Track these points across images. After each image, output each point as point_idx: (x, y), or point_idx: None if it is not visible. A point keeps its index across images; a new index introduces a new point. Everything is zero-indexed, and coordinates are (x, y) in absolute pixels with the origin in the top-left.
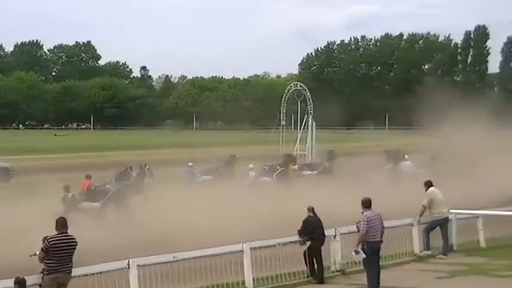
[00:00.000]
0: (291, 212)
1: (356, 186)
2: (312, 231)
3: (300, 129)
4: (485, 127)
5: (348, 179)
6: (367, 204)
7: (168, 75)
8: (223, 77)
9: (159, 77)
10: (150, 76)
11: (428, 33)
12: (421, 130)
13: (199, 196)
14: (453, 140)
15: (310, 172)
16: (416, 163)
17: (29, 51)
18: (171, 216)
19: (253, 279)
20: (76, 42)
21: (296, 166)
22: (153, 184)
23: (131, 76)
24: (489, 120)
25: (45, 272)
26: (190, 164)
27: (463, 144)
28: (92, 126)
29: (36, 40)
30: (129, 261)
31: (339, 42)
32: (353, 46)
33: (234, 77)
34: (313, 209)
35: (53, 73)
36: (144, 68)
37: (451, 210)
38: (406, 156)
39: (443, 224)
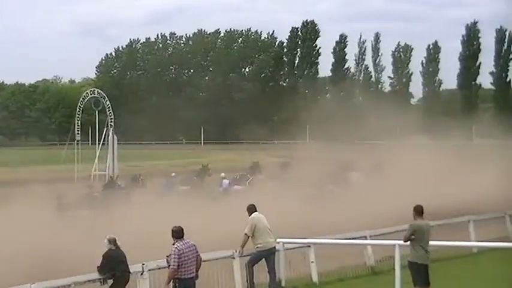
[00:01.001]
0: None
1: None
2: (114, 267)
3: (99, 145)
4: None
5: (310, 189)
6: (178, 234)
7: None
8: (5, 83)
9: None
10: None
11: (249, 30)
12: (242, 144)
13: (167, 208)
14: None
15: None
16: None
17: None
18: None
19: None
20: None
21: (262, 176)
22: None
23: None
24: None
25: None
26: (173, 174)
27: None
28: None
29: None
30: None
31: (144, 41)
32: (160, 45)
33: (17, 82)
34: (115, 240)
35: None
36: None
37: (278, 239)
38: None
39: (269, 255)
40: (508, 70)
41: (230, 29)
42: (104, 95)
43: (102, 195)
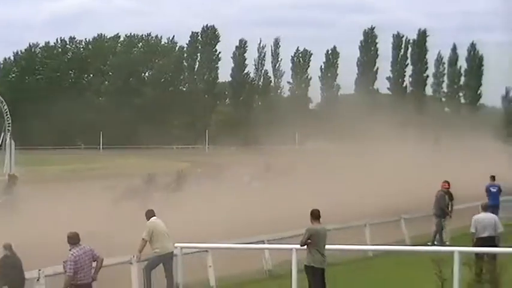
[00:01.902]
0: None
1: None
2: (9, 273)
3: None
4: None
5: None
6: (73, 240)
7: None
8: None
9: None
10: None
11: (149, 35)
12: (141, 150)
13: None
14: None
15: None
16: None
17: None
18: None
19: None
20: None
21: None
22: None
23: None
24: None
25: None
26: (199, 170)
27: None
28: None
29: None
30: None
31: (43, 45)
32: (60, 49)
33: None
34: (10, 246)
35: None
36: None
37: (176, 244)
38: None
39: (167, 260)
40: (404, 76)
41: (130, 34)
42: (2, 99)
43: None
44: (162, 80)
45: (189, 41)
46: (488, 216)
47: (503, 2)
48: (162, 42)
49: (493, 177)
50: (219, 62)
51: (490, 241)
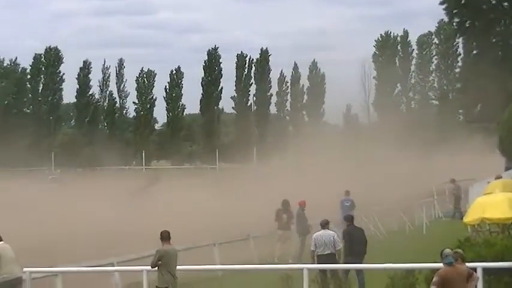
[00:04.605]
0: None
1: None
2: None
3: None
4: None
5: None
6: None
7: None
8: None
9: None
10: None
11: None
12: None
13: None
14: None
15: None
16: None
17: None
18: None
19: None
20: None
21: None
22: None
23: None
24: None
25: None
26: None
27: None
28: None
29: None
30: None
31: None
32: None
33: None
34: None
35: None
36: None
37: (24, 269)
38: None
39: (15, 286)
40: (248, 95)
41: None
42: None
43: None
44: (6, 102)
45: (32, 62)
46: (327, 233)
47: (339, 22)
48: (5, 64)
49: (347, 192)
50: (63, 84)
51: (331, 258)
